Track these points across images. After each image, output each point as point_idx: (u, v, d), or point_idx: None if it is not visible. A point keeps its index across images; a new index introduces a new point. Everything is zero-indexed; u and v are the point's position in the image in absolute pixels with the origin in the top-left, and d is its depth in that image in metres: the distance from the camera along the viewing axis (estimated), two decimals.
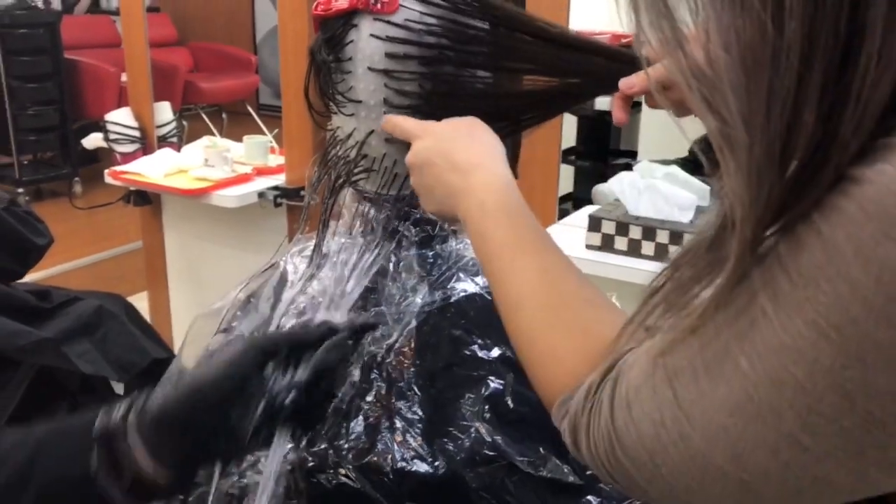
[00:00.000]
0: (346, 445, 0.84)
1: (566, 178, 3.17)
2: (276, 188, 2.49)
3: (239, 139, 2.74)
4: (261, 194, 2.48)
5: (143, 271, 2.97)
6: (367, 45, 0.84)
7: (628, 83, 0.79)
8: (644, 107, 0.85)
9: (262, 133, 3.12)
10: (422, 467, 0.81)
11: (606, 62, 0.83)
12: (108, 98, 5.01)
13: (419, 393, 0.85)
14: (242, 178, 2.53)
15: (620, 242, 1.80)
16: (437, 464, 0.81)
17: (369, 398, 0.86)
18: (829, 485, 0.43)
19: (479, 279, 0.90)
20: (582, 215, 2.06)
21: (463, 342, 0.87)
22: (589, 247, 1.84)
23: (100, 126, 2.93)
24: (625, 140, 3.43)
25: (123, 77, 3.14)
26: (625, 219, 1.80)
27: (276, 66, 2.77)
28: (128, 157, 2.79)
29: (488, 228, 0.70)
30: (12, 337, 1.51)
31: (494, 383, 0.84)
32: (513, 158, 0.85)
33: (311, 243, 0.97)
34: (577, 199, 3.08)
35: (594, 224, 1.83)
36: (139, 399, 0.69)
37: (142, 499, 0.67)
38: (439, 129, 0.79)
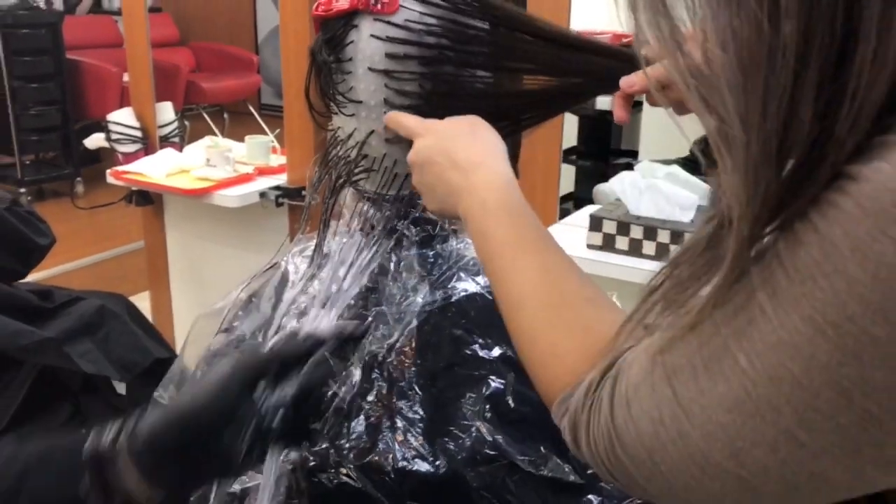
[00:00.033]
0: (347, 445, 0.84)
1: (567, 178, 3.17)
2: (277, 188, 2.49)
3: (241, 139, 2.74)
4: (262, 194, 2.48)
5: (144, 271, 2.97)
6: (368, 45, 0.84)
7: (629, 82, 0.79)
8: (645, 106, 0.85)
9: (264, 133, 3.11)
10: (423, 467, 0.81)
11: (607, 61, 0.83)
12: (110, 98, 5.01)
13: (420, 392, 0.85)
14: (244, 178, 2.53)
15: (621, 242, 1.80)
16: (438, 463, 0.81)
17: (370, 398, 0.86)
18: (825, 481, 0.43)
19: (479, 278, 0.90)
20: (583, 215, 2.06)
21: (464, 342, 0.87)
22: (590, 246, 1.84)
23: (102, 126, 2.93)
24: (626, 140, 3.43)
25: (125, 77, 3.14)
26: (626, 218, 1.80)
27: (277, 66, 2.77)
28: (130, 157, 2.79)
29: (489, 227, 0.70)
30: (14, 337, 1.50)
31: (495, 383, 0.84)
32: (513, 158, 0.85)
33: (312, 243, 0.97)
34: (579, 198, 3.07)
35: (595, 224, 1.83)
36: (130, 421, 0.69)
37: None
38: (441, 127, 0.79)
